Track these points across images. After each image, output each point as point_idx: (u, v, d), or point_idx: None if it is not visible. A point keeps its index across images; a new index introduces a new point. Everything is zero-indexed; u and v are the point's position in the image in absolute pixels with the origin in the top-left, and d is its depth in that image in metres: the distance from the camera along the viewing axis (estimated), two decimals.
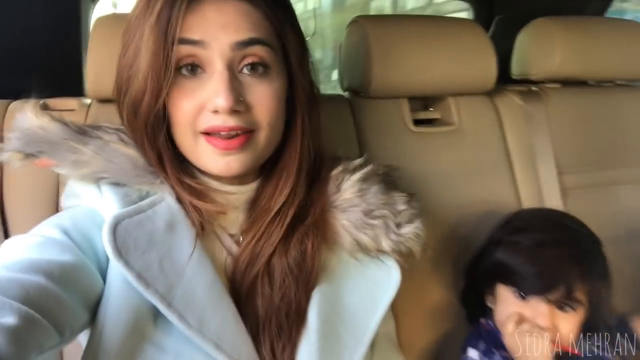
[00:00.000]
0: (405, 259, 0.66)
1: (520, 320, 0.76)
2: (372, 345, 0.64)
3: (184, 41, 0.55)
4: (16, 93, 0.91)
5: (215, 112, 0.55)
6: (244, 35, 0.56)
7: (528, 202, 1.03)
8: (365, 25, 0.96)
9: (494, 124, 1.05)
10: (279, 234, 0.62)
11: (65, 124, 0.61)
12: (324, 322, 0.60)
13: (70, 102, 0.89)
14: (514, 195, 1.03)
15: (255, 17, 0.57)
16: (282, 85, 0.60)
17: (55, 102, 0.89)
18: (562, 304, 0.76)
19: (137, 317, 0.55)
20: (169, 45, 0.54)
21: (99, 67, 0.84)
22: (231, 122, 0.55)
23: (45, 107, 0.87)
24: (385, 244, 0.64)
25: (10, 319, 0.41)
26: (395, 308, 0.71)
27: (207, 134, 0.57)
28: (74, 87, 1.10)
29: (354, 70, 1.00)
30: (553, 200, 1.04)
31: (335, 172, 0.67)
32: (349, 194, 0.66)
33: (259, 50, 0.57)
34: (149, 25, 0.55)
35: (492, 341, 0.82)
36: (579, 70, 1.10)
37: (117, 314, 0.54)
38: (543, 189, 1.04)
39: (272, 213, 0.62)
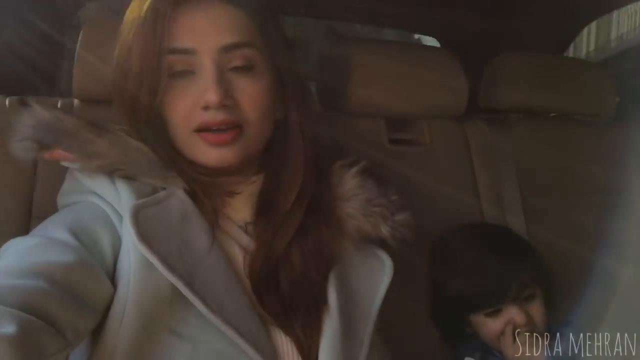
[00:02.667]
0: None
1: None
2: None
3: (174, 51, 0.59)
4: None
5: (206, 107, 0.59)
6: (231, 39, 0.60)
7: (491, 221, 1.07)
8: (349, 45, 1.01)
9: (462, 147, 1.11)
10: (297, 222, 0.65)
11: (77, 118, 0.63)
12: (341, 302, 0.64)
13: (52, 101, 0.89)
14: (478, 214, 1.08)
15: (240, 19, 0.62)
16: (269, 82, 0.64)
17: (36, 100, 0.88)
18: (524, 297, 0.83)
19: (156, 304, 0.56)
20: (159, 54, 0.58)
21: (86, 68, 0.85)
22: (221, 116, 0.59)
23: (23, 104, 0.86)
24: (385, 230, 0.69)
25: (9, 328, 0.41)
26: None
27: (200, 131, 0.61)
28: (47, 89, 1.10)
29: (334, 87, 1.04)
30: (516, 222, 1.10)
31: (335, 166, 0.73)
32: (352, 184, 0.70)
33: (245, 52, 0.61)
34: (138, 29, 0.59)
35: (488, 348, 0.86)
36: (540, 103, 1.18)
37: (137, 303, 0.55)
38: (507, 211, 1.10)
39: (289, 203, 0.66)
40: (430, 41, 1.84)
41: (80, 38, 0.85)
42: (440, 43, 1.76)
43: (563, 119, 1.28)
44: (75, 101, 0.90)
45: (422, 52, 1.10)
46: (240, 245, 0.65)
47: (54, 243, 0.54)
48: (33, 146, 0.60)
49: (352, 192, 0.70)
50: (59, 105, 0.88)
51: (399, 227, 0.71)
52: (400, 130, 1.10)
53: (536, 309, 0.84)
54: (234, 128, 0.61)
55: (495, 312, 0.83)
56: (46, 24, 1.19)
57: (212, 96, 0.58)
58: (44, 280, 0.49)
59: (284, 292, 0.63)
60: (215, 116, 0.59)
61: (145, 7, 0.59)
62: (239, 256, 0.65)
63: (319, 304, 0.64)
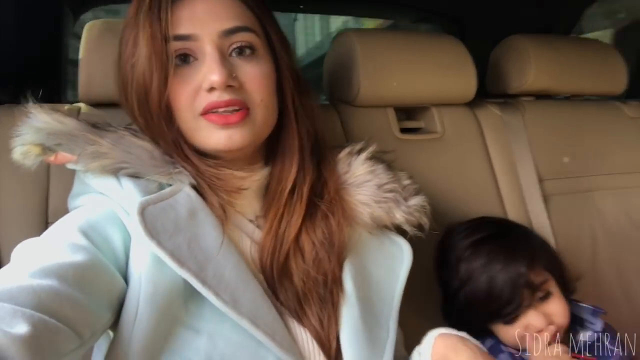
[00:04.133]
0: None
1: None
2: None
3: (176, 37, 0.59)
4: None
5: (211, 89, 0.59)
6: (230, 24, 0.61)
7: (511, 207, 1.06)
8: (354, 37, 0.99)
9: (475, 133, 1.09)
10: (301, 212, 0.65)
11: (78, 120, 0.62)
12: (360, 289, 0.64)
13: (59, 107, 0.88)
14: (498, 201, 1.06)
15: (239, 7, 0.63)
16: (269, 66, 0.65)
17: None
18: (539, 298, 0.78)
19: (169, 300, 0.56)
20: (163, 42, 0.58)
21: (91, 71, 0.84)
22: (226, 96, 0.59)
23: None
24: (399, 215, 0.69)
25: (23, 328, 0.41)
26: None
27: (206, 113, 0.60)
28: (52, 96, 1.10)
29: (341, 80, 1.02)
30: (535, 206, 1.07)
31: (342, 154, 0.73)
32: (361, 171, 0.71)
33: (245, 36, 0.62)
34: (142, 22, 0.59)
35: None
36: (551, 84, 1.16)
37: (150, 298, 0.55)
38: (525, 195, 1.08)
39: (286, 192, 0.65)
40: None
41: (82, 41, 0.84)
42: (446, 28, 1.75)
43: (575, 100, 1.25)
44: (82, 105, 0.89)
45: (426, 40, 1.08)
46: (251, 239, 0.65)
47: (65, 244, 0.54)
48: (35, 150, 0.59)
49: (362, 178, 0.70)
50: (65, 109, 0.87)
51: (414, 212, 0.71)
52: (411, 119, 1.08)
53: (555, 306, 0.79)
54: (241, 109, 0.60)
55: (512, 319, 0.78)
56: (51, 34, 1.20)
57: (216, 76, 0.58)
58: (56, 280, 0.48)
59: (297, 283, 0.63)
60: (220, 96, 0.59)
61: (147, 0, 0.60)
62: (251, 250, 0.64)
63: (335, 293, 0.63)
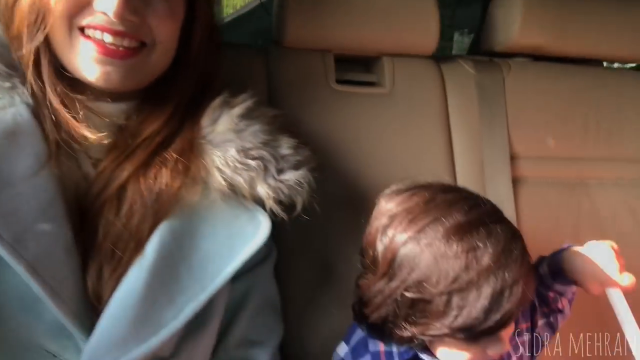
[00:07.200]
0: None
1: None
2: (238, 307, 0.61)
3: None
4: None
5: (103, 13, 0.50)
6: None
7: (465, 184, 0.86)
8: None
9: (434, 92, 0.90)
10: (140, 159, 0.57)
11: None
12: (163, 258, 0.54)
13: None
14: (449, 175, 0.87)
15: None
16: (181, 9, 0.57)
17: None
18: None
19: None
20: None
21: None
22: (121, 27, 0.51)
23: None
24: (261, 189, 0.58)
25: None
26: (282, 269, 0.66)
27: (86, 29, 0.51)
28: None
29: (281, 20, 0.87)
30: (499, 187, 0.88)
31: (213, 104, 0.61)
32: (223, 128, 0.59)
33: None
34: None
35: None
36: (545, 41, 0.94)
37: None
38: (487, 172, 0.88)
39: (140, 139, 0.58)
40: None
41: None
42: None
43: (581, 65, 1.01)
44: None
45: None
46: (85, 178, 0.57)
47: None
48: None
49: (222, 137, 0.59)
50: None
51: (284, 189, 0.59)
52: (353, 70, 0.92)
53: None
54: (132, 48, 0.53)
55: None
56: None
57: (114, 5, 0.49)
58: None
59: (101, 230, 0.55)
60: (113, 24, 0.51)
61: None
62: (80, 192, 0.56)
63: (132, 253, 0.54)
